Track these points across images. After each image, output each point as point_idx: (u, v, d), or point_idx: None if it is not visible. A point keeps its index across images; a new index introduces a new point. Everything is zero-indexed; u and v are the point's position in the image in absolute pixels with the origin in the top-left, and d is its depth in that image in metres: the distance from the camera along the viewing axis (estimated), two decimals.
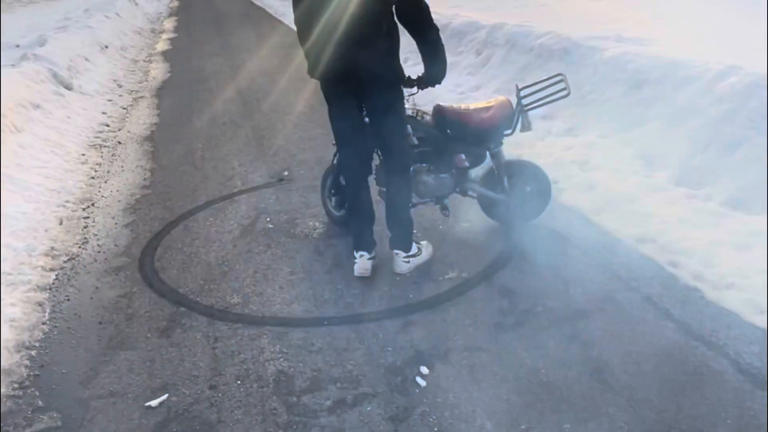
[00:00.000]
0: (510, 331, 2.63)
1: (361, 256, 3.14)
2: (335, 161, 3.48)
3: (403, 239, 3.17)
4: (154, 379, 2.44)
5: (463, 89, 6.29)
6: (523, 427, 2.11)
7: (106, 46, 9.92)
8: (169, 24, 15.44)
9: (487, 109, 3.46)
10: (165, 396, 2.33)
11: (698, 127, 3.91)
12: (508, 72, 6.04)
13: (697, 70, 4.21)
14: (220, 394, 2.34)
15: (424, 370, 2.41)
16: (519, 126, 3.47)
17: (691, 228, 3.25)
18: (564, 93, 3.42)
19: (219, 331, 2.74)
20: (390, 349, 2.56)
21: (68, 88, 6.86)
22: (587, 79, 5.09)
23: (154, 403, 2.30)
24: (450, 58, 6.92)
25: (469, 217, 3.71)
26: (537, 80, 3.51)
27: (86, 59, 8.43)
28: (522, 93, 3.46)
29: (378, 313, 2.82)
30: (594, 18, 6.91)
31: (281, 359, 2.52)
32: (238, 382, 2.40)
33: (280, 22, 13.58)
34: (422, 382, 2.34)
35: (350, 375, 2.41)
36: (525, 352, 2.49)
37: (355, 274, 3.14)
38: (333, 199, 3.66)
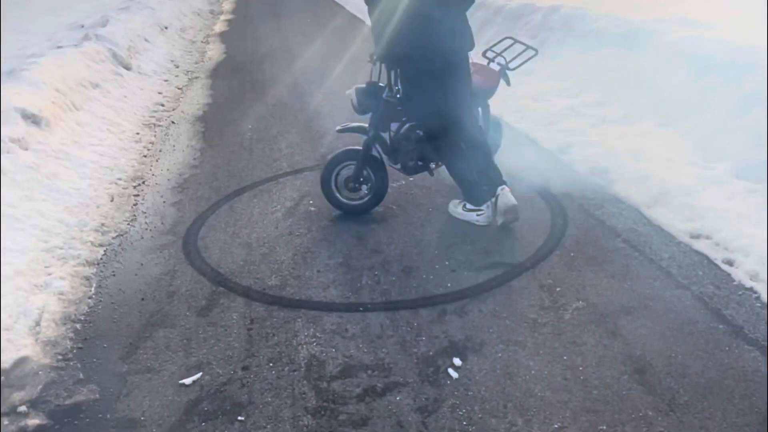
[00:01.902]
0: (548, 326, 2.55)
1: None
2: (368, 142, 3.50)
3: (464, 194, 3.48)
4: (190, 357, 2.48)
5: (516, 73, 6.11)
6: (556, 425, 2.05)
7: (166, 27, 10.12)
8: (228, 5, 15.63)
9: (480, 71, 3.74)
10: (199, 374, 2.37)
11: (762, 117, 3.67)
12: (564, 56, 5.85)
13: (764, 56, 3.95)
14: (252, 376, 2.36)
15: (457, 361, 2.36)
16: (505, 82, 3.85)
17: (750, 224, 3.07)
18: (532, 53, 3.81)
19: (255, 313, 2.76)
20: (424, 338, 2.52)
21: (127, 68, 7.03)
22: (647, 65, 4.87)
23: (187, 381, 2.34)
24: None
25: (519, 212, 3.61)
26: (491, 45, 4.03)
27: (146, 40, 8.62)
28: (488, 55, 3.91)
29: (414, 300, 2.79)
30: (657, 0, 6.60)
31: (314, 344, 2.52)
32: (270, 364, 2.41)
33: (340, 6, 13.53)
34: (454, 374, 2.30)
35: (382, 363, 2.39)
36: (563, 348, 2.41)
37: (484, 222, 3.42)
38: (363, 187, 3.60)
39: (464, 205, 3.50)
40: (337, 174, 3.61)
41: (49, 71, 5.33)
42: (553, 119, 4.87)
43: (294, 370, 2.37)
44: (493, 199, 3.34)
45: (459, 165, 3.45)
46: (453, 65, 3.28)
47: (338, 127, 3.74)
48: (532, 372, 2.29)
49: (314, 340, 2.55)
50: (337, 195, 3.65)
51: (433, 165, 3.65)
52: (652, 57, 4.87)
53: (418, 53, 3.21)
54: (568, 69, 5.62)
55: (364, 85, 3.53)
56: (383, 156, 3.57)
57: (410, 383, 2.27)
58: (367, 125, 3.55)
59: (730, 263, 2.89)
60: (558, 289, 2.80)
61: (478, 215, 3.44)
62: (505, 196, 3.31)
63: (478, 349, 2.43)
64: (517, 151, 4.55)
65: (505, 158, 4.33)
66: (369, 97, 3.51)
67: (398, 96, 3.42)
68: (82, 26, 9.08)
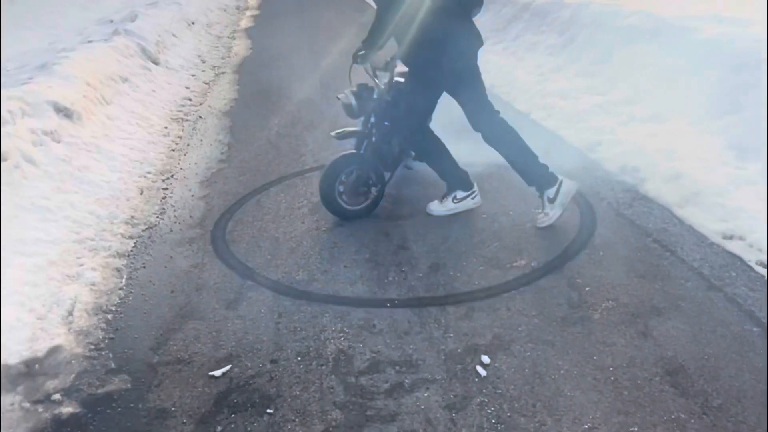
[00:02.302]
0: (578, 325, 2.53)
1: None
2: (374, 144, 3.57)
3: (452, 184, 3.58)
4: (219, 350, 2.50)
5: (543, 70, 6.07)
6: (586, 426, 2.03)
7: (193, 23, 10.21)
8: (253, 1, 15.71)
9: None
10: (228, 367, 2.39)
11: None
12: (592, 53, 5.78)
13: None
14: (280, 369, 2.37)
15: (485, 359, 2.35)
16: None
17: None
18: None
19: (283, 307, 2.77)
20: (451, 335, 2.51)
21: (155, 62, 7.10)
22: (678, 62, 4.79)
23: (217, 373, 2.36)
24: (531, 38, 6.73)
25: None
26: None
27: (173, 35, 8.70)
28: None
29: (441, 297, 2.78)
30: None
31: (342, 338, 2.53)
32: (299, 358, 2.43)
33: (366, 3, 13.50)
34: (482, 372, 2.29)
35: (409, 359, 2.38)
36: (593, 348, 2.38)
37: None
38: (372, 190, 3.56)
39: (454, 197, 3.56)
40: (341, 181, 3.48)
41: (80, 65, 5.41)
42: (581, 117, 4.82)
43: (322, 365, 2.38)
44: (554, 189, 3.32)
45: (444, 158, 3.54)
46: (471, 65, 3.36)
47: (334, 132, 3.64)
48: (562, 371, 2.27)
49: (342, 335, 2.56)
50: (341, 202, 3.52)
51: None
52: (684, 54, 4.79)
53: (445, 55, 3.24)
54: (596, 66, 5.56)
55: (355, 89, 3.58)
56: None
57: (438, 380, 2.27)
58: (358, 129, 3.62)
59: (763, 265, 2.83)
60: (587, 288, 2.78)
61: (473, 198, 3.57)
62: (569, 181, 3.36)
63: (507, 348, 2.42)
64: (544, 148, 4.51)
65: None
66: (365, 100, 3.57)
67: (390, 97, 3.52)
68: (112, 21, 9.20)
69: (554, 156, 4.35)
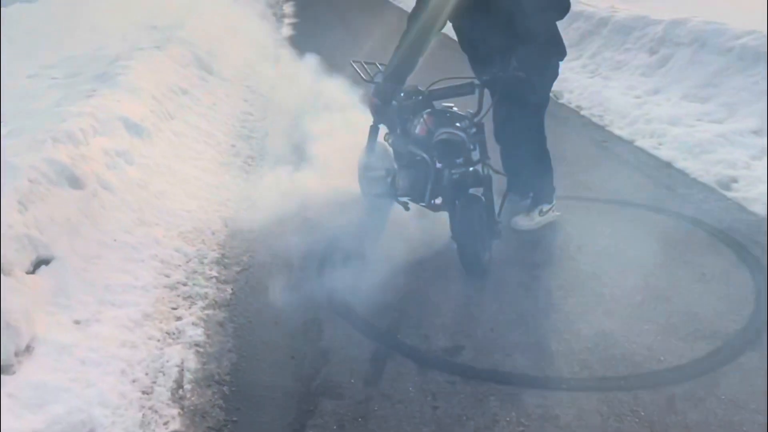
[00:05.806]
0: None
1: None
2: None
3: (539, 195, 3.49)
4: None
5: (639, 92, 5.59)
6: None
7: (237, 31, 9.81)
8: (288, 9, 15.33)
9: None
10: None
11: None
12: (697, 75, 5.29)
13: None
14: None
15: None
16: None
17: None
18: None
19: (434, 384, 2.30)
20: None
21: (209, 72, 6.69)
22: None
23: None
24: (614, 56, 6.27)
25: (706, 261, 3.09)
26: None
27: (221, 43, 8.29)
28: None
29: (626, 378, 2.30)
30: None
31: None
32: None
33: (397, 7, 13.10)
34: None
35: None
36: None
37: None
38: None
39: (540, 210, 3.44)
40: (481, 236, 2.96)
41: (143, 76, 4.98)
42: (702, 147, 4.33)
43: None
44: (549, 206, 3.46)
45: (551, 169, 3.44)
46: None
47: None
48: None
49: (522, 428, 2.08)
50: (483, 259, 2.98)
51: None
52: None
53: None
54: (706, 90, 5.07)
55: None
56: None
57: None
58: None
59: None
60: None
61: (554, 211, 3.47)
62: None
63: None
64: (664, 182, 4.04)
65: (657, 192, 3.83)
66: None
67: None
68: (155, 27, 8.79)
69: (681, 191, 3.90)
